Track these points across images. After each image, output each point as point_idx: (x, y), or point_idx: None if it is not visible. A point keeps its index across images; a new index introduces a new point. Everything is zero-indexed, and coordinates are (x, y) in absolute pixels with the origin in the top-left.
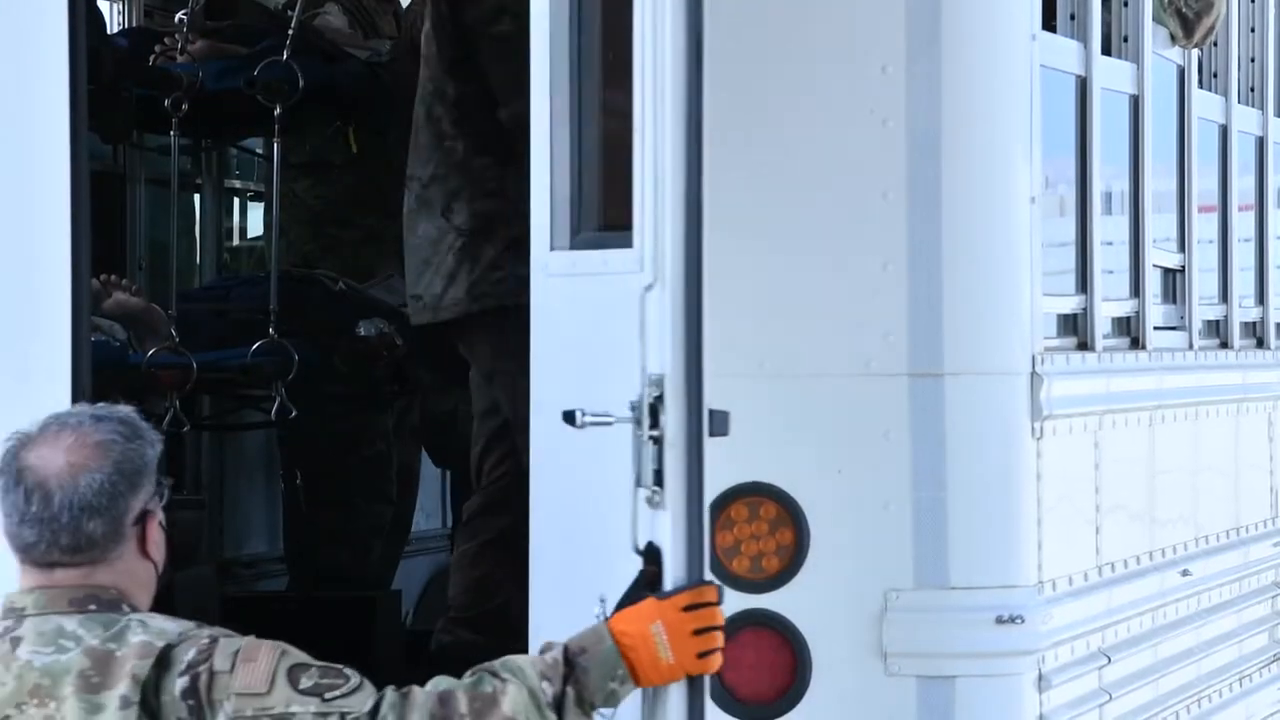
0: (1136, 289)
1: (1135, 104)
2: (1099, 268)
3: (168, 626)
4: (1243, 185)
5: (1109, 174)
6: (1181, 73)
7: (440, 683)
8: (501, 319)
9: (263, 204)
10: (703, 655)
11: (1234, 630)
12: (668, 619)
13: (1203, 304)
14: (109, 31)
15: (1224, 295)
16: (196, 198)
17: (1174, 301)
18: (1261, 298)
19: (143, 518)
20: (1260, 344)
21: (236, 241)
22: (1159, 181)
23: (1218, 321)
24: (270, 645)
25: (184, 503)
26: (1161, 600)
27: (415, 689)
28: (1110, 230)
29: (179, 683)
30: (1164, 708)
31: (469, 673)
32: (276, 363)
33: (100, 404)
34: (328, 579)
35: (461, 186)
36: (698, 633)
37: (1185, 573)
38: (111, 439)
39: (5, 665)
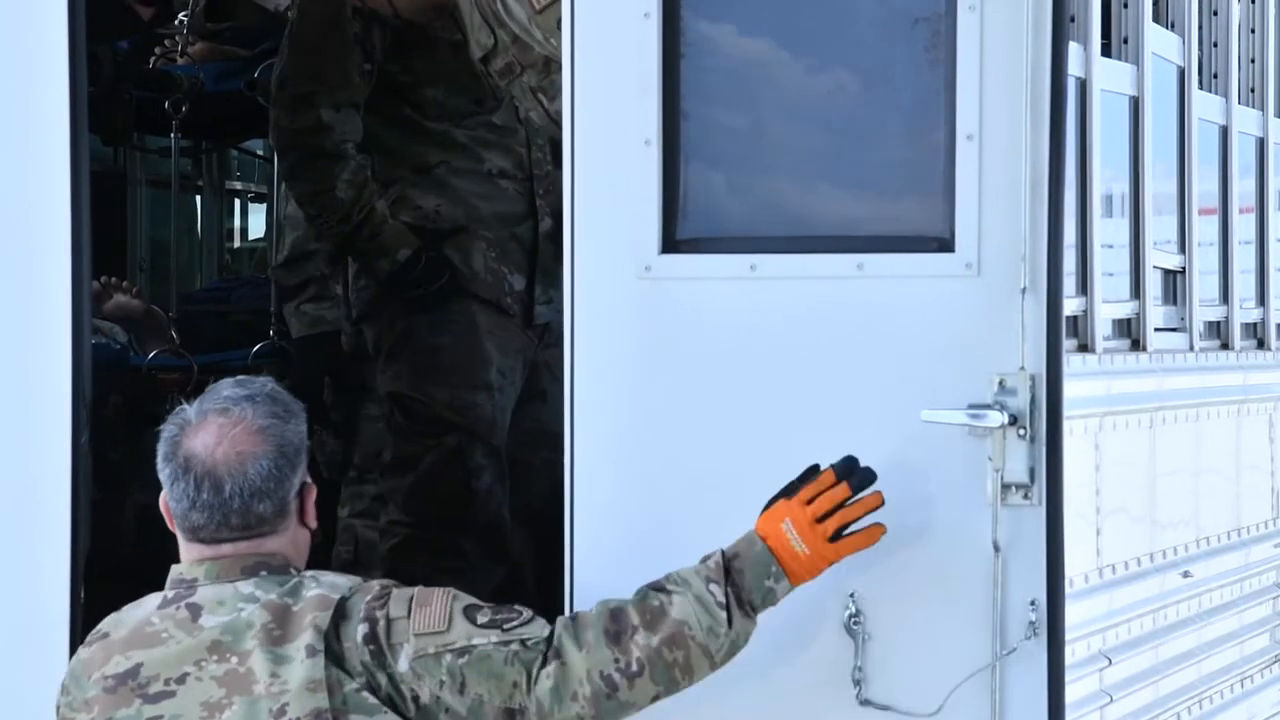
0: (1137, 290)
1: (1135, 105)
2: (1099, 269)
3: (338, 580)
4: (1243, 188)
5: (1109, 175)
6: (1181, 74)
7: (609, 602)
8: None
9: (263, 205)
10: (834, 539)
11: (1235, 631)
12: (794, 514)
13: (1203, 305)
14: None
15: (1225, 297)
16: (197, 199)
17: (1174, 303)
18: (1262, 299)
19: (301, 490)
20: (1261, 345)
21: (237, 243)
22: (1159, 183)
23: (1218, 323)
24: (442, 590)
25: None
26: (1162, 602)
27: (583, 611)
28: (1110, 232)
29: (359, 629)
30: (1165, 709)
31: (635, 592)
32: (277, 364)
33: (243, 378)
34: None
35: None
36: (821, 520)
37: (1186, 574)
38: (271, 423)
39: (186, 631)
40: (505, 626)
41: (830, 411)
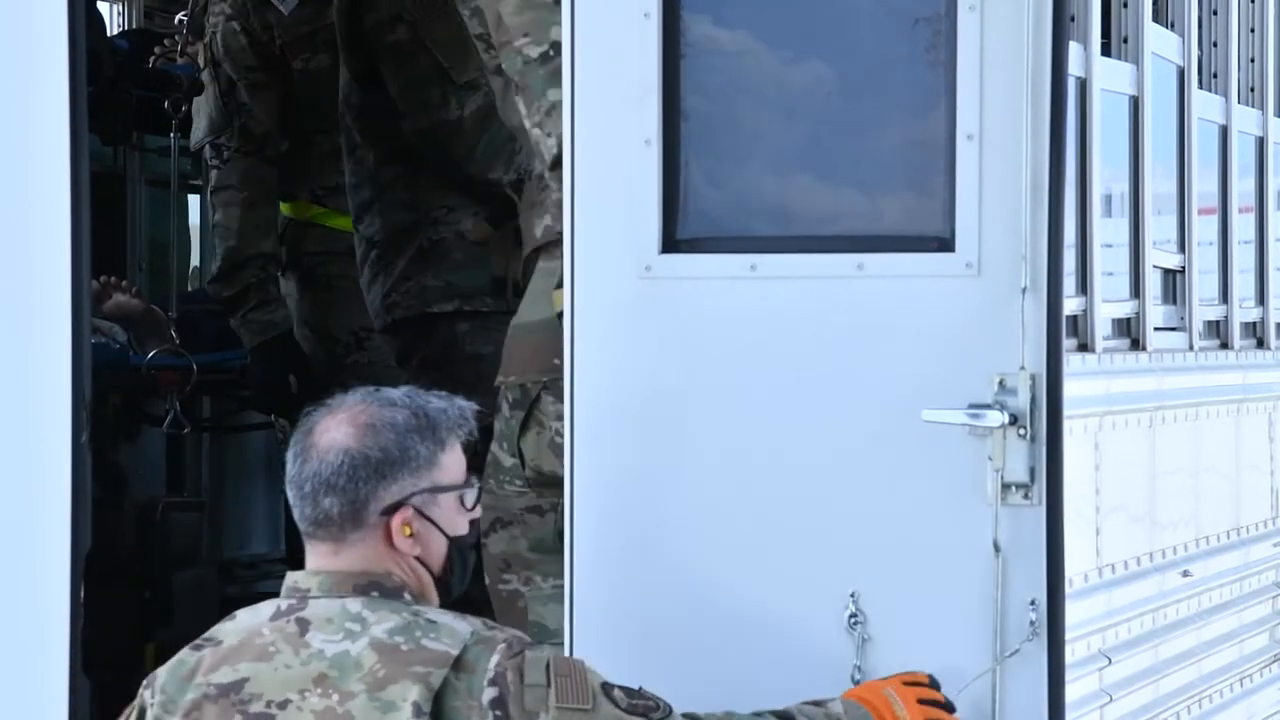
0: (1137, 290)
1: (1135, 105)
2: (1099, 269)
3: (458, 627)
4: (1243, 187)
5: (1109, 175)
6: (1181, 73)
7: (734, 715)
8: (415, 328)
9: None
10: None
11: (1235, 631)
12: (897, 688)
13: (1203, 305)
14: (109, 33)
15: (1224, 296)
16: (196, 199)
17: (1174, 302)
18: (1262, 298)
19: (392, 509)
20: (1260, 344)
21: None
22: (1159, 182)
23: (1218, 322)
24: (574, 659)
25: (184, 504)
26: (1162, 601)
27: (707, 715)
28: (1110, 231)
29: (486, 692)
30: (1165, 708)
31: (753, 714)
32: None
33: (433, 391)
34: None
35: (373, 197)
36: (921, 702)
37: (1186, 573)
38: (386, 424)
39: (294, 648)
40: (653, 716)
41: (831, 411)
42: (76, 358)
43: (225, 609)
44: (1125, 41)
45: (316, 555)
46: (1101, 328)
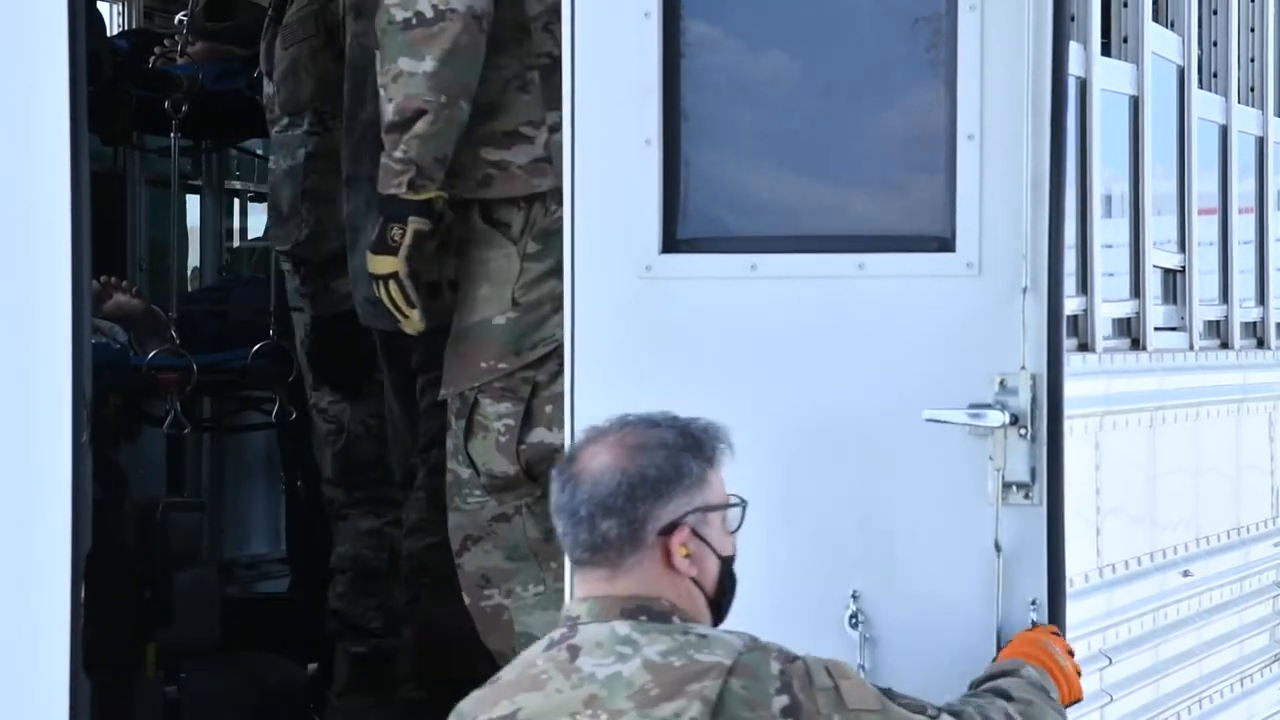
0: (1137, 290)
1: (1135, 105)
2: (1099, 269)
3: (729, 639)
4: (1243, 187)
5: (1109, 175)
6: (1181, 73)
7: (986, 707)
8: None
9: (263, 205)
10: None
11: (1235, 630)
12: (1051, 639)
13: (1203, 305)
14: (109, 33)
15: (1224, 296)
16: (196, 199)
17: (1174, 302)
18: (1262, 298)
19: (669, 529)
20: (1261, 344)
21: (236, 243)
22: (1159, 182)
23: (1218, 322)
24: (844, 662)
25: (184, 504)
26: (1162, 601)
27: (963, 710)
28: (1110, 231)
29: (777, 701)
30: (1165, 708)
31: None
32: (277, 364)
33: (697, 418)
34: (328, 580)
35: None
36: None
37: (1186, 573)
38: (657, 443)
39: (565, 674)
40: (929, 712)
41: (831, 411)
42: (76, 358)
43: (225, 609)
44: (1125, 41)
45: (587, 582)
46: (1102, 327)
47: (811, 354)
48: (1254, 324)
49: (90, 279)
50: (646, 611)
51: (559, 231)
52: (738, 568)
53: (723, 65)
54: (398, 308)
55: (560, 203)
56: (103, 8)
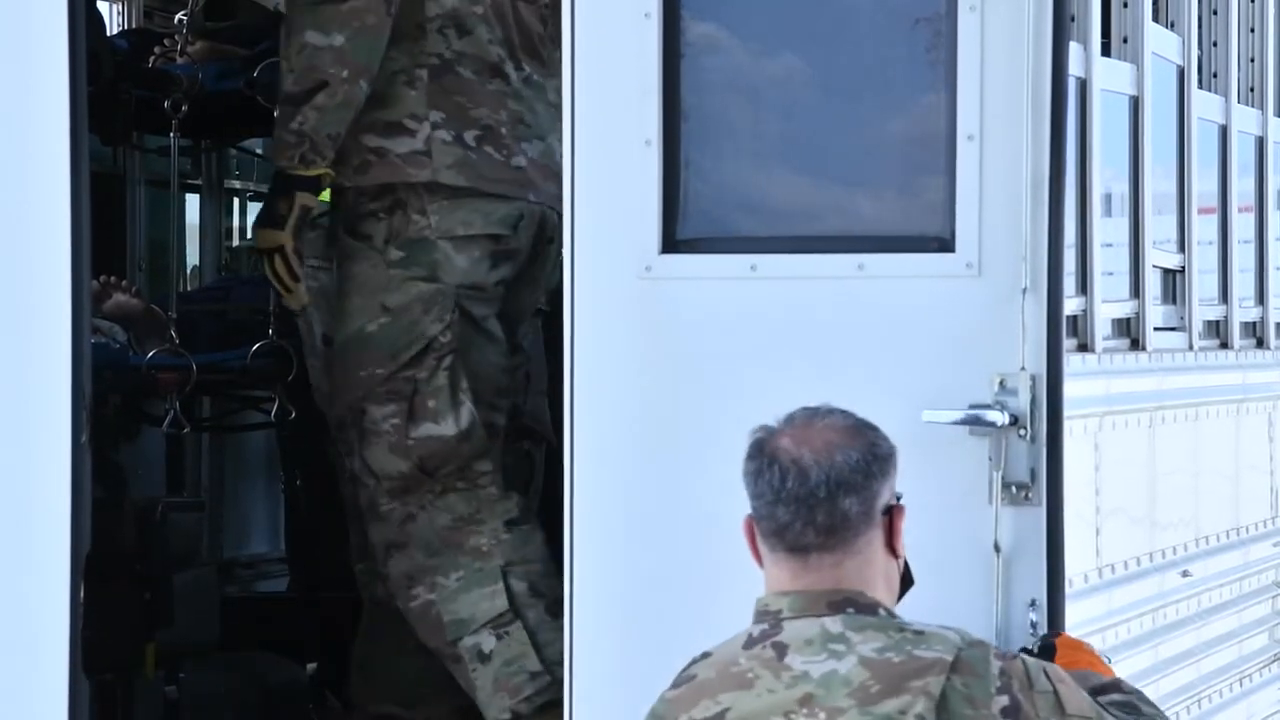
0: (1136, 290)
1: (1135, 105)
2: (1099, 269)
3: (946, 634)
4: (1242, 187)
5: (1109, 175)
6: (1181, 73)
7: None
8: None
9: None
10: None
11: (1234, 630)
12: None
13: (1203, 304)
14: (109, 33)
15: (1224, 296)
16: (196, 199)
17: (1174, 302)
18: (1261, 298)
19: (890, 510)
20: (1260, 344)
21: (236, 242)
22: (1159, 182)
23: (1218, 322)
24: (1057, 665)
25: (184, 504)
26: (1161, 601)
27: None
28: (1110, 231)
29: (997, 701)
30: (1164, 708)
31: None
32: (276, 364)
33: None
34: (328, 580)
35: None
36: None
37: (1185, 574)
38: (861, 425)
39: (774, 673)
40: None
41: None
42: (76, 358)
43: (225, 609)
44: (1125, 41)
45: (793, 573)
46: (1101, 328)
47: (811, 354)
48: (1253, 324)
49: (90, 279)
50: (853, 604)
51: (422, 240)
52: (737, 568)
53: (723, 66)
54: (282, 283)
55: (424, 209)
56: (103, 8)
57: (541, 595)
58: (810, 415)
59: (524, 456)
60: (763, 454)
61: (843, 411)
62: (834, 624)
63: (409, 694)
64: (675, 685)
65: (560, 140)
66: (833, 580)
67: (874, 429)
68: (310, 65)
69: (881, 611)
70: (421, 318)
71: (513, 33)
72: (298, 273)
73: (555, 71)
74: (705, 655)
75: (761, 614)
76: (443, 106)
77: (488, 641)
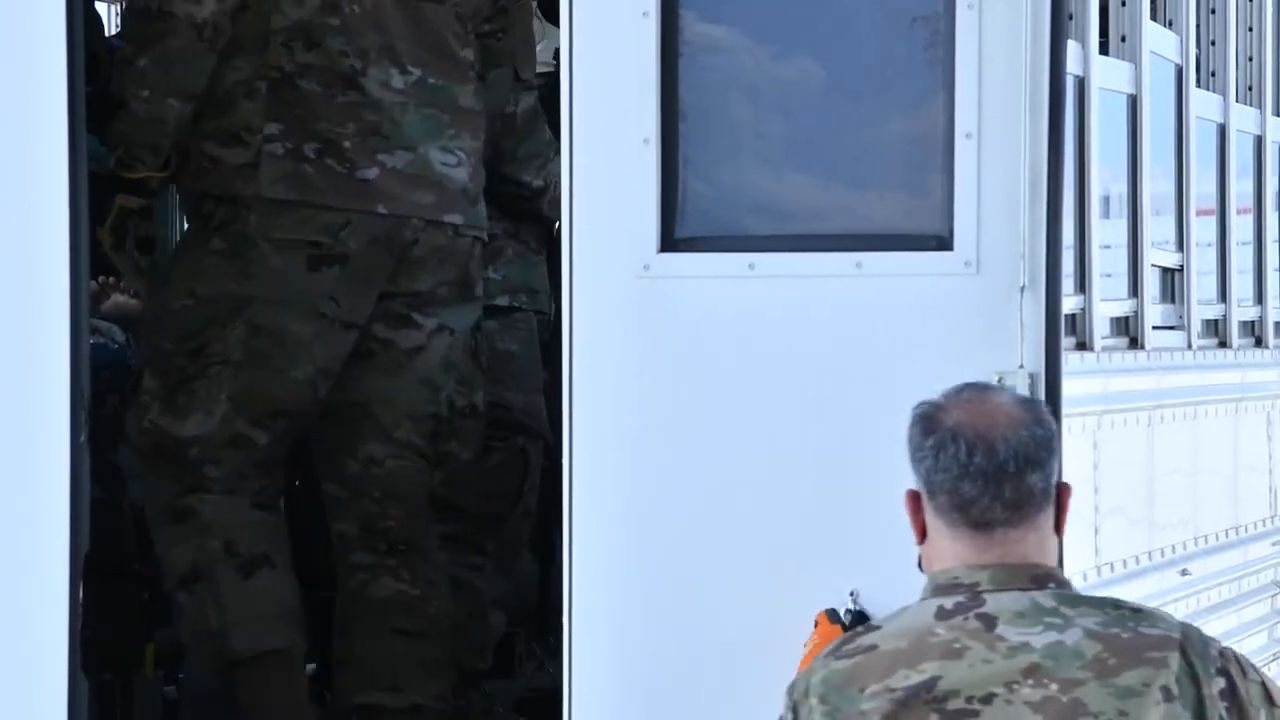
0: (1135, 289)
1: (1133, 103)
2: (1097, 268)
3: (1160, 612)
4: (1241, 188)
5: (1107, 173)
6: (1179, 72)
7: None
8: None
9: None
10: None
11: (1233, 629)
12: None
13: (1201, 304)
14: (108, 33)
15: (1222, 295)
16: None
17: (1172, 301)
18: (1260, 297)
19: (1059, 488)
20: (1259, 343)
21: None
22: (1157, 181)
23: (1216, 321)
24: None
25: None
26: (1161, 600)
27: None
28: (1109, 230)
29: (1215, 682)
30: None
31: None
32: None
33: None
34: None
35: None
36: None
37: (1184, 572)
38: (1032, 402)
39: (986, 644)
40: None
41: (829, 409)
42: (76, 358)
43: None
44: (1123, 40)
45: (974, 549)
46: (1100, 326)
47: (809, 352)
48: (1252, 323)
49: (88, 280)
50: (1053, 580)
51: (244, 236)
52: (735, 565)
53: (721, 64)
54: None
55: (250, 207)
56: (102, 8)
57: (237, 555)
58: (981, 390)
59: (518, 452)
60: (940, 428)
61: (1004, 387)
62: (1044, 598)
63: (391, 679)
64: (841, 655)
65: (466, 145)
66: (1019, 555)
67: (1041, 405)
68: (119, 79)
69: (1074, 590)
70: (215, 316)
71: (393, 39)
72: (122, 265)
73: (465, 73)
74: (873, 627)
75: (950, 586)
76: (281, 119)
77: (180, 597)
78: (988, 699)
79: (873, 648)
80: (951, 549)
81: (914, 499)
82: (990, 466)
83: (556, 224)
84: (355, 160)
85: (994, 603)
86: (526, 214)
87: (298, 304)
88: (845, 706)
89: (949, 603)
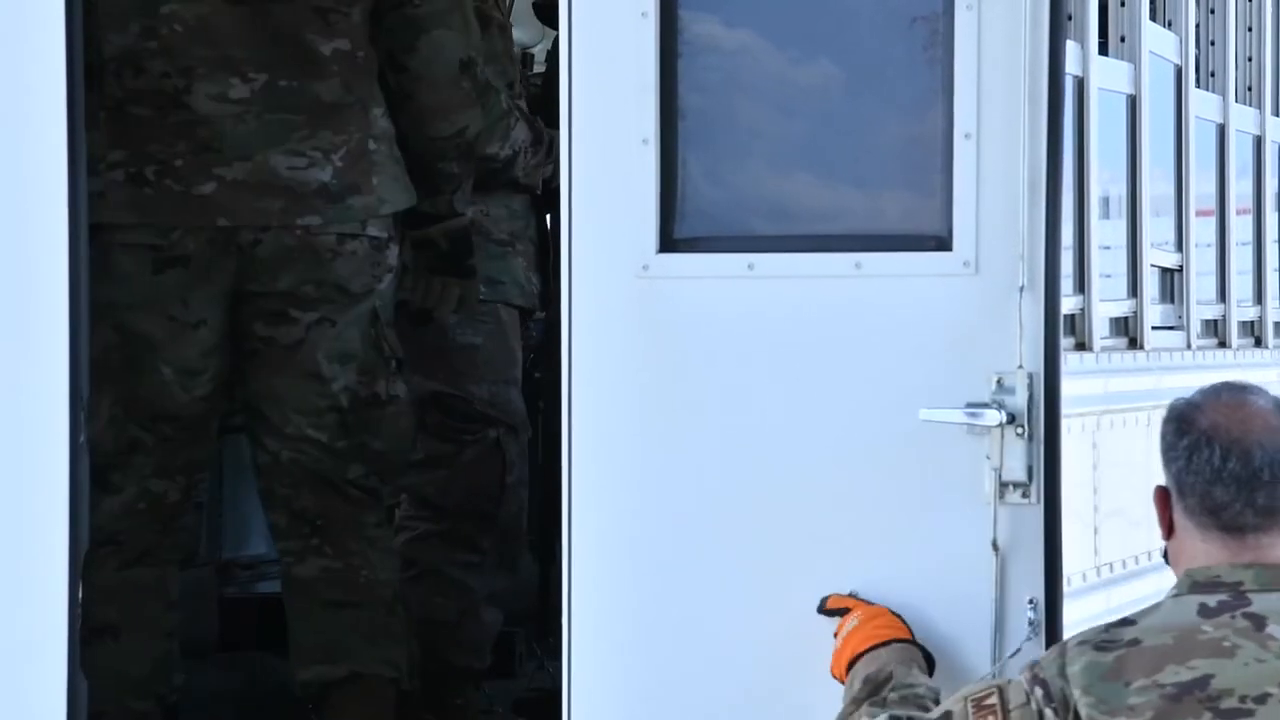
0: (1134, 289)
1: (1132, 104)
2: (1096, 268)
3: None
4: (1240, 188)
5: (1106, 174)
6: (1179, 72)
7: None
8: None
9: None
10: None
11: None
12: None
13: (1201, 304)
14: None
15: (1222, 295)
16: None
17: (1172, 301)
18: (1259, 297)
19: None
20: (1258, 343)
21: None
22: (1156, 181)
23: (1215, 321)
24: None
25: None
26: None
27: None
28: (1108, 230)
29: None
30: None
31: None
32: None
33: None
34: None
35: None
36: None
37: None
38: None
39: (1259, 643)
40: None
41: (828, 410)
42: (75, 358)
43: (224, 609)
44: (1123, 40)
45: (1227, 550)
46: (1099, 326)
47: (808, 353)
48: (1251, 323)
49: (88, 280)
50: None
51: (106, 244)
52: (735, 564)
53: (720, 64)
54: None
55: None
56: None
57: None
58: (1239, 393)
59: (492, 446)
60: (1194, 430)
61: (1259, 388)
62: None
63: (325, 651)
64: (1101, 647)
65: (326, 142)
66: (1273, 558)
67: None
68: None
69: None
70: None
71: (228, 49)
72: None
73: (327, 68)
74: (1128, 621)
75: (1211, 584)
76: (121, 146)
77: None
78: (1262, 699)
79: (1135, 642)
80: (1203, 549)
81: (1163, 495)
82: (1244, 473)
83: (549, 217)
84: (190, 178)
85: (1261, 603)
86: (505, 186)
87: (151, 306)
88: (1112, 699)
89: (1211, 600)
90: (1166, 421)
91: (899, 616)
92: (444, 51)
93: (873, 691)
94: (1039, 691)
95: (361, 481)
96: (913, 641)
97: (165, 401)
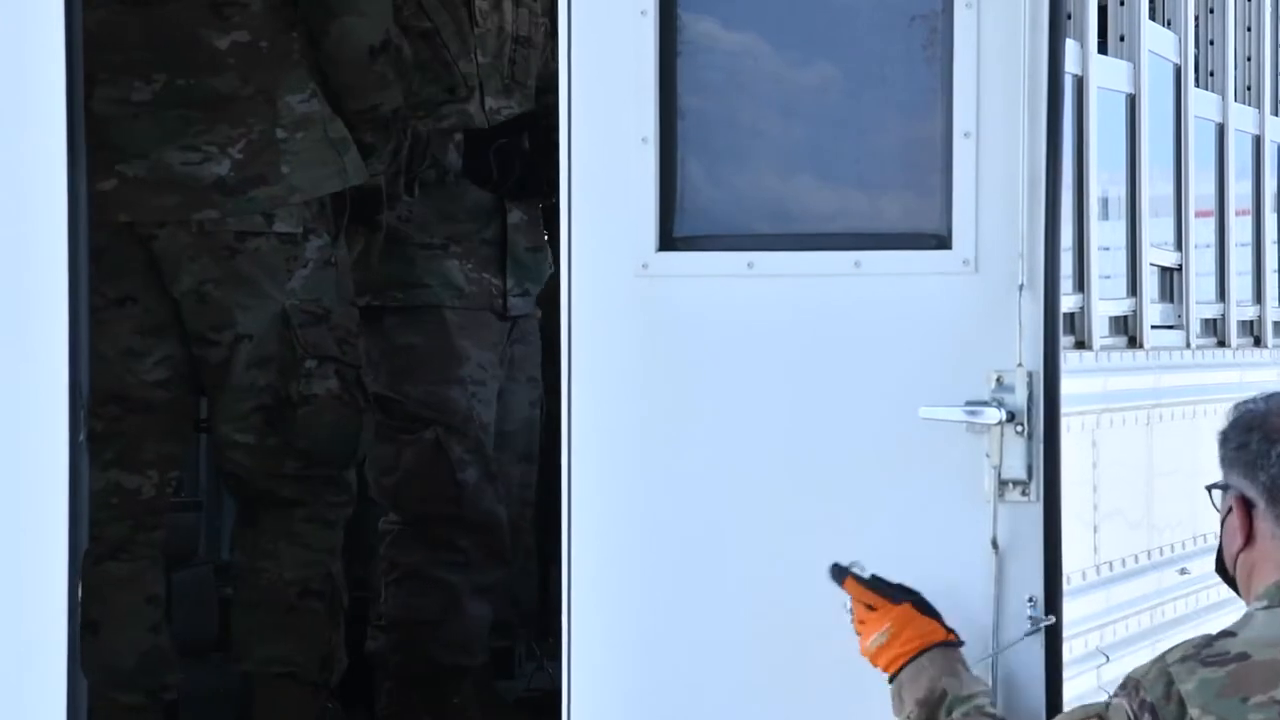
0: (1134, 288)
1: (1132, 103)
2: (1096, 266)
3: None
4: (1240, 188)
5: (1106, 173)
6: (1178, 71)
7: None
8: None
9: None
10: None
11: None
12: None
13: (1200, 303)
14: None
15: (1221, 294)
16: None
17: (1171, 300)
18: (1259, 297)
19: None
20: (1258, 343)
21: None
22: (1155, 180)
23: (1215, 320)
24: None
25: (183, 504)
26: (1160, 599)
27: None
28: (1107, 229)
29: None
30: None
31: None
32: None
33: None
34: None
35: None
36: None
37: (1183, 571)
38: None
39: None
40: None
41: (828, 409)
42: (75, 357)
43: (224, 609)
44: (1122, 39)
45: None
46: (1099, 325)
47: (808, 352)
48: (1250, 323)
49: (88, 279)
50: None
51: None
52: (736, 565)
53: (719, 63)
54: None
55: None
56: None
57: None
58: None
59: (431, 445)
60: (1266, 436)
61: None
62: None
63: (241, 648)
64: (1209, 663)
65: (223, 136)
66: None
67: None
68: None
69: None
70: None
71: (130, 52)
72: None
73: (222, 63)
74: (1228, 633)
75: None
76: None
77: None
78: None
79: (1244, 656)
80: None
81: (1243, 504)
82: None
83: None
84: (91, 175)
85: None
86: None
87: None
88: (1231, 716)
89: None
90: (1243, 430)
91: (919, 595)
92: (352, 36)
93: (930, 715)
94: (1147, 717)
95: (299, 474)
96: (942, 636)
97: (109, 381)
